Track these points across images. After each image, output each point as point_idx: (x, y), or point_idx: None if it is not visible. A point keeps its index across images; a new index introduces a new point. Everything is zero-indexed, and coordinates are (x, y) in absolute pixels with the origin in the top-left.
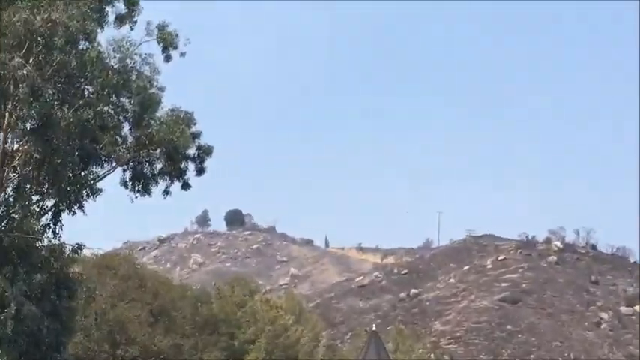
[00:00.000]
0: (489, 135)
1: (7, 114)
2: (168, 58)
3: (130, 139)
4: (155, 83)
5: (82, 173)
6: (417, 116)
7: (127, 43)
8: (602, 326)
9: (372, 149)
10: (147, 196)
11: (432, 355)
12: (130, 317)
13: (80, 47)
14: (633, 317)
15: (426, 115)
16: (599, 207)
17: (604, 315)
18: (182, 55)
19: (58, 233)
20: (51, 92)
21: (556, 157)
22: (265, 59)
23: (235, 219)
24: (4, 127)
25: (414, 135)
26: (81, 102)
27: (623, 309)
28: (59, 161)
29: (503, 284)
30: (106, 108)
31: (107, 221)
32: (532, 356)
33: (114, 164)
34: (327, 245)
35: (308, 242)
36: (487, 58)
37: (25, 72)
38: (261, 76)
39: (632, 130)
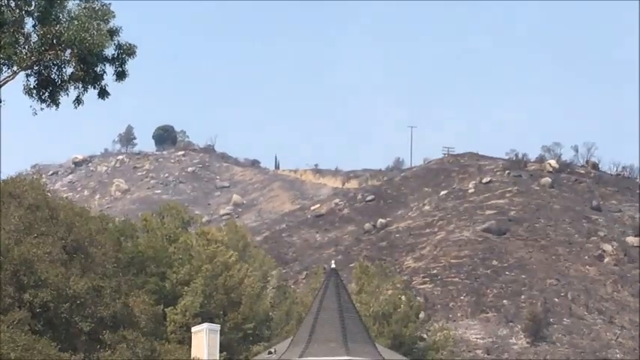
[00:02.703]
0: (471, 35)
1: None
2: None
3: (34, 37)
4: None
5: None
6: (383, 12)
7: None
8: (606, 260)
9: (331, 50)
10: (54, 106)
11: (403, 297)
12: (40, 255)
13: None
14: None
15: (394, 11)
16: (601, 119)
17: (607, 247)
18: None
19: None
20: None
21: (550, 60)
22: None
23: (166, 137)
24: None
25: (382, 35)
26: None
27: (630, 239)
28: None
29: (488, 212)
30: None
31: (10, 140)
32: (522, 297)
33: (15, 68)
34: (276, 167)
35: (254, 164)
36: None
37: None
38: None
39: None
